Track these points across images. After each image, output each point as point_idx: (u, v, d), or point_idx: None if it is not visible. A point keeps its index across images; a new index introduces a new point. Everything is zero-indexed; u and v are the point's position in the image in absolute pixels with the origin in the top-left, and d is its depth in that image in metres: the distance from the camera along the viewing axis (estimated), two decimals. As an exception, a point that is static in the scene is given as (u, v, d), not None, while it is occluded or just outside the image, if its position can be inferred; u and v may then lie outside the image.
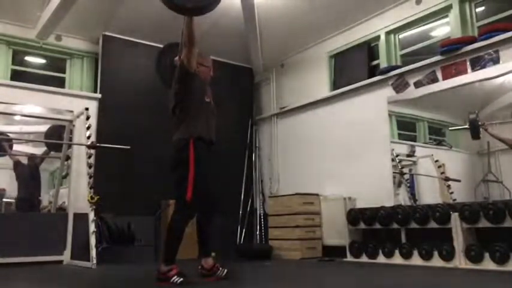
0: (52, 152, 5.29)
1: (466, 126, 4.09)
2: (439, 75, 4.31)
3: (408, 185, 4.67)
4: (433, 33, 4.79)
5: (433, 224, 3.83)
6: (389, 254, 4.11)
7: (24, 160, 5.20)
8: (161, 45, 3.72)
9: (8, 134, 5.13)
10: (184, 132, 2.95)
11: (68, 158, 5.01)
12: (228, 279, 2.98)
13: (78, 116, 4.90)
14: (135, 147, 4.69)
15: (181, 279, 2.76)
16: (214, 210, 3.13)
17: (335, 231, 4.79)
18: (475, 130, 4.01)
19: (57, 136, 5.12)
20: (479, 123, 3.99)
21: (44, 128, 5.17)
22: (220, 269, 3.02)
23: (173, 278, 2.77)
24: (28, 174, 5.17)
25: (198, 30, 2.86)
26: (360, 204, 4.71)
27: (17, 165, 5.11)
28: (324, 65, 5.72)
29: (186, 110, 2.99)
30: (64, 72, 5.60)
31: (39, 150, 5.34)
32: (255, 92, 6.57)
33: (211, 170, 3.01)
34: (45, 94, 5.07)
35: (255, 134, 6.41)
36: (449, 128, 4.55)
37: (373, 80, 4.93)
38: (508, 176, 3.80)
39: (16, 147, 5.24)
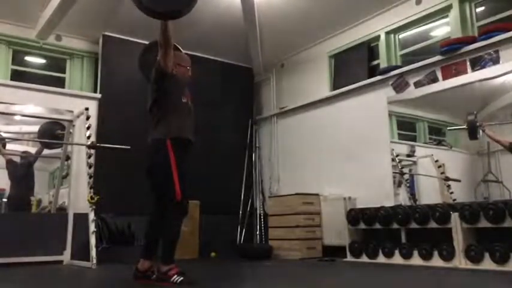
0: (46, 150, 5.26)
1: (464, 127, 4.09)
2: (439, 75, 4.31)
3: (408, 185, 4.67)
4: (433, 33, 4.79)
5: (433, 224, 3.83)
6: (389, 254, 4.11)
7: (18, 159, 5.19)
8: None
9: (1, 133, 5.12)
10: (161, 132, 2.95)
11: (68, 158, 5.01)
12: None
13: (78, 116, 4.90)
14: (135, 147, 4.68)
15: (182, 278, 2.77)
16: (186, 213, 3.03)
17: (335, 231, 4.79)
18: (472, 131, 4.02)
19: (49, 133, 5.09)
20: (478, 124, 3.99)
21: (43, 128, 5.17)
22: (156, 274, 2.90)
23: (173, 278, 2.77)
24: (20, 172, 5.16)
25: (174, 33, 2.84)
26: (360, 204, 4.71)
27: (9, 163, 5.10)
28: (324, 65, 5.72)
29: (163, 110, 3.00)
30: (64, 72, 5.59)
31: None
32: (255, 92, 6.57)
33: (188, 171, 2.97)
34: (45, 94, 5.06)
35: (255, 134, 6.41)
36: (448, 128, 4.55)
37: (373, 80, 4.93)
38: (508, 176, 3.80)
39: (15, 147, 5.24)
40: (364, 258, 4.32)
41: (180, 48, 3.32)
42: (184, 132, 3.00)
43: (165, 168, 2.86)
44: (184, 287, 2.72)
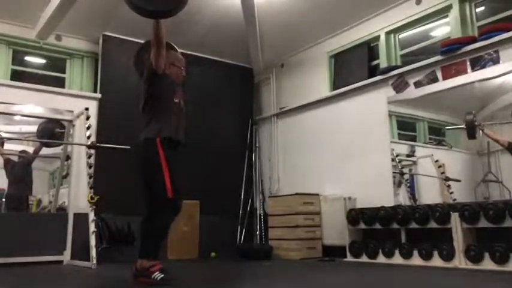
0: (45, 149, 5.25)
1: (463, 126, 4.10)
2: (439, 75, 4.31)
3: (408, 185, 4.67)
4: (433, 33, 4.79)
5: (433, 224, 3.83)
6: (389, 254, 4.11)
7: (17, 158, 5.19)
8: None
9: (1, 133, 5.11)
10: (151, 132, 2.95)
11: (68, 157, 5.01)
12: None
13: (78, 116, 4.90)
14: (135, 147, 4.68)
15: (163, 275, 2.73)
16: (178, 212, 3.01)
17: (335, 231, 4.79)
18: (471, 130, 4.02)
19: (48, 132, 5.08)
20: (476, 123, 4.00)
21: (43, 128, 5.16)
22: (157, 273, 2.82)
23: (154, 274, 2.73)
24: (19, 172, 5.15)
25: (166, 32, 2.83)
26: (360, 204, 4.71)
27: (7, 163, 5.10)
28: (324, 65, 5.72)
29: (154, 110, 3.00)
30: (64, 72, 5.59)
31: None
32: (255, 92, 6.57)
33: (179, 171, 2.97)
34: (45, 94, 5.06)
35: (255, 134, 6.41)
36: (446, 128, 4.56)
37: (373, 80, 4.93)
38: (508, 176, 3.80)
39: (14, 147, 5.24)
40: (364, 258, 4.32)
41: (175, 47, 3.31)
42: (174, 132, 2.99)
43: (156, 166, 2.86)
44: (163, 285, 2.69)
